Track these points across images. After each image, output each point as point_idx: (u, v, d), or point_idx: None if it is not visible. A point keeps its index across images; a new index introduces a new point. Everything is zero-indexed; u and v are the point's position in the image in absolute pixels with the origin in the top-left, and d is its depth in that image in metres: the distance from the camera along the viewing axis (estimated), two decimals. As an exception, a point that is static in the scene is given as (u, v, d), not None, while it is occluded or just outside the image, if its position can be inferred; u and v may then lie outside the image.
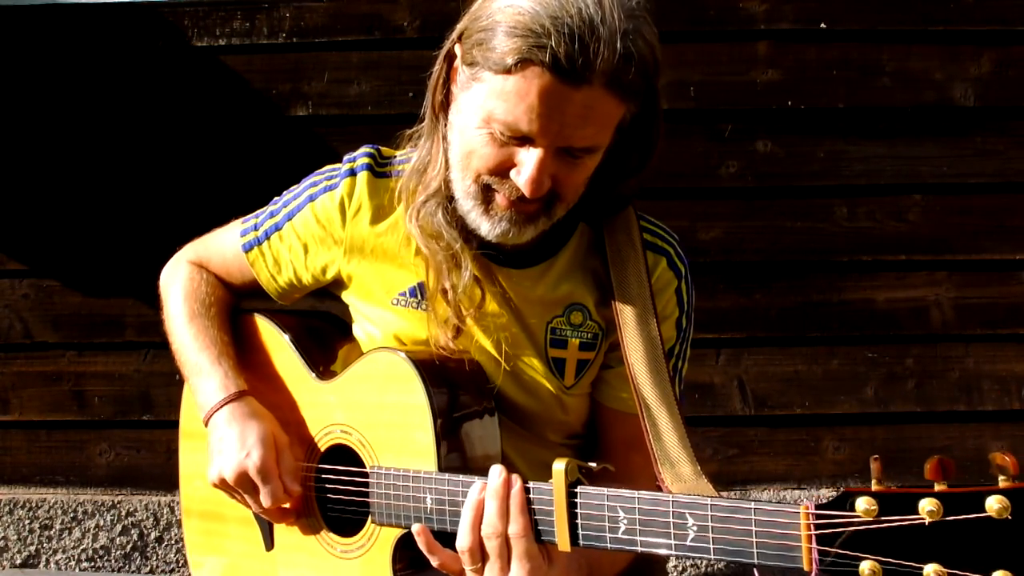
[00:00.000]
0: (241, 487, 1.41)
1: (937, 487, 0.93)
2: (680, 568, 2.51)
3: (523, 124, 1.20)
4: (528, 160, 1.23)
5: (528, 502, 1.19)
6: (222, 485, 1.44)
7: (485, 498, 1.20)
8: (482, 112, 1.23)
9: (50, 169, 2.60)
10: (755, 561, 1.04)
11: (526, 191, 1.24)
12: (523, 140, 1.22)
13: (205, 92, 2.56)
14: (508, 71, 1.18)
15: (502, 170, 1.26)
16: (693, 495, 1.10)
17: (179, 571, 2.57)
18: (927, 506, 0.92)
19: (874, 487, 0.96)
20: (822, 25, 2.47)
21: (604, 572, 1.38)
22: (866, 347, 2.50)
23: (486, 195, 1.29)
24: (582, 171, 1.29)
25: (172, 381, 2.59)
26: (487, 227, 1.31)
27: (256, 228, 1.57)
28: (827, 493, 2.50)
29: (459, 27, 1.28)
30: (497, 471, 1.20)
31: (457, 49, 1.28)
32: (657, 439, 1.28)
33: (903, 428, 2.50)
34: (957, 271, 2.48)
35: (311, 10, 2.53)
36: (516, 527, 1.18)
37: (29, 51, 2.57)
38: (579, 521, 1.15)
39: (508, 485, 1.19)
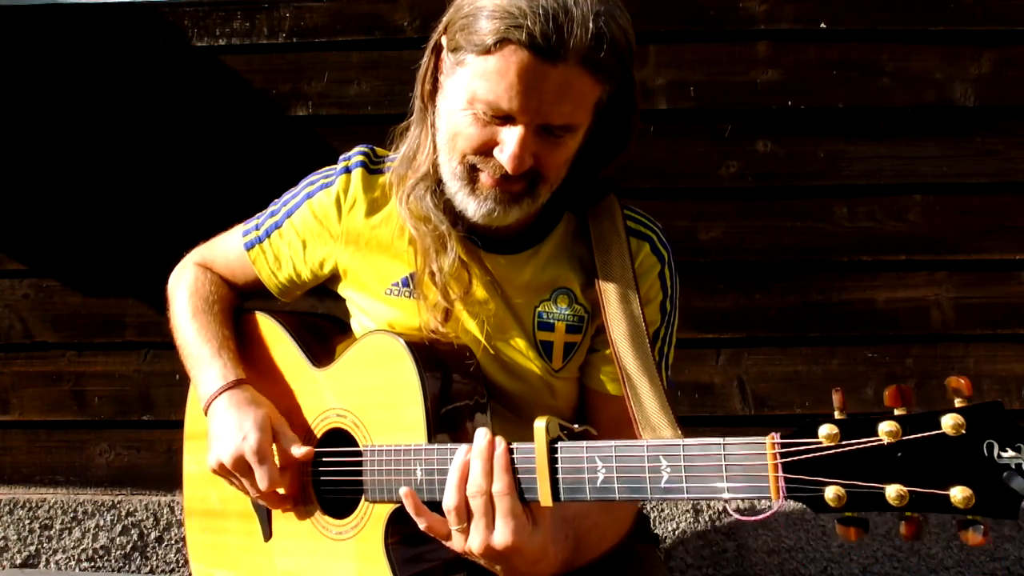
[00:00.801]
0: (238, 471, 1.45)
1: (897, 412, 0.98)
2: (681, 570, 2.51)
3: (504, 102, 1.26)
4: (510, 138, 1.29)
5: (512, 462, 1.22)
6: (220, 470, 1.47)
7: (470, 458, 1.24)
8: (466, 93, 1.30)
9: (50, 169, 2.60)
10: (727, 496, 1.07)
11: (509, 167, 1.30)
12: (505, 119, 1.29)
13: (205, 92, 2.56)
14: (488, 51, 1.25)
15: (486, 149, 1.32)
16: (665, 440, 1.14)
17: (179, 571, 2.57)
18: (886, 427, 0.97)
19: (836, 415, 1.01)
20: (822, 25, 2.47)
21: (590, 546, 1.41)
22: (866, 347, 2.50)
23: (471, 175, 1.35)
24: (563, 151, 1.34)
25: (172, 381, 2.59)
26: (473, 207, 1.37)
27: (257, 228, 1.64)
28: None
29: (444, 19, 1.35)
30: (483, 433, 1.25)
31: (443, 40, 1.36)
32: (638, 405, 1.35)
33: (903, 428, 2.50)
34: (957, 271, 2.48)
35: (311, 10, 2.53)
36: (500, 485, 1.21)
37: (29, 51, 2.58)
38: (560, 476, 1.19)
39: (492, 446, 1.23)
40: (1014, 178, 2.46)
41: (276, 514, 1.53)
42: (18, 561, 2.59)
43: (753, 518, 1.07)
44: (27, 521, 2.60)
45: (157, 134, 2.57)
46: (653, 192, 2.47)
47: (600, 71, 1.28)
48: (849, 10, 2.47)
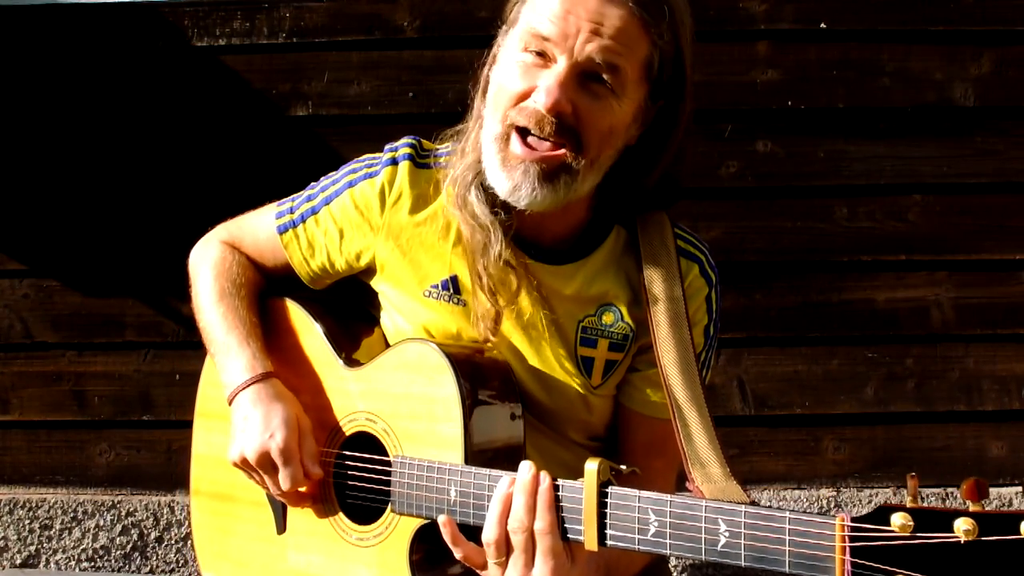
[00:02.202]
0: (261, 467, 1.42)
1: (972, 507, 0.93)
2: (681, 570, 2.51)
3: (543, 26, 1.25)
4: (548, 75, 1.26)
5: (556, 499, 1.19)
6: (242, 464, 1.44)
7: (513, 492, 1.21)
8: (516, 42, 1.30)
9: (50, 169, 2.59)
10: (787, 570, 1.03)
11: (544, 103, 1.25)
12: (547, 60, 1.27)
13: (205, 92, 2.56)
14: None
15: (526, 96, 1.28)
16: (727, 502, 1.10)
17: (179, 571, 2.57)
18: (963, 525, 0.92)
19: (909, 503, 0.97)
20: (822, 25, 2.47)
21: (620, 572, 1.38)
22: (866, 347, 2.50)
23: (504, 142, 1.31)
24: (606, 111, 1.30)
25: (172, 381, 2.59)
26: (502, 180, 1.31)
27: (292, 211, 1.57)
28: (827, 493, 2.50)
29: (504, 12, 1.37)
30: (527, 467, 1.21)
31: (503, 27, 1.36)
32: (688, 440, 1.28)
33: (903, 428, 2.50)
34: (957, 271, 2.48)
35: (311, 10, 2.53)
36: (542, 523, 1.18)
37: (29, 51, 2.57)
38: (608, 521, 1.15)
39: (537, 481, 1.20)
40: (1014, 178, 2.46)
41: (292, 509, 1.51)
42: (18, 561, 2.59)
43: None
44: (27, 521, 2.60)
45: (157, 134, 2.57)
46: (653, 192, 2.47)
47: (646, 13, 1.26)
48: (849, 10, 2.47)
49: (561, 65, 1.26)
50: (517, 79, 1.29)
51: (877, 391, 2.50)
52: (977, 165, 2.47)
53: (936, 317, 2.48)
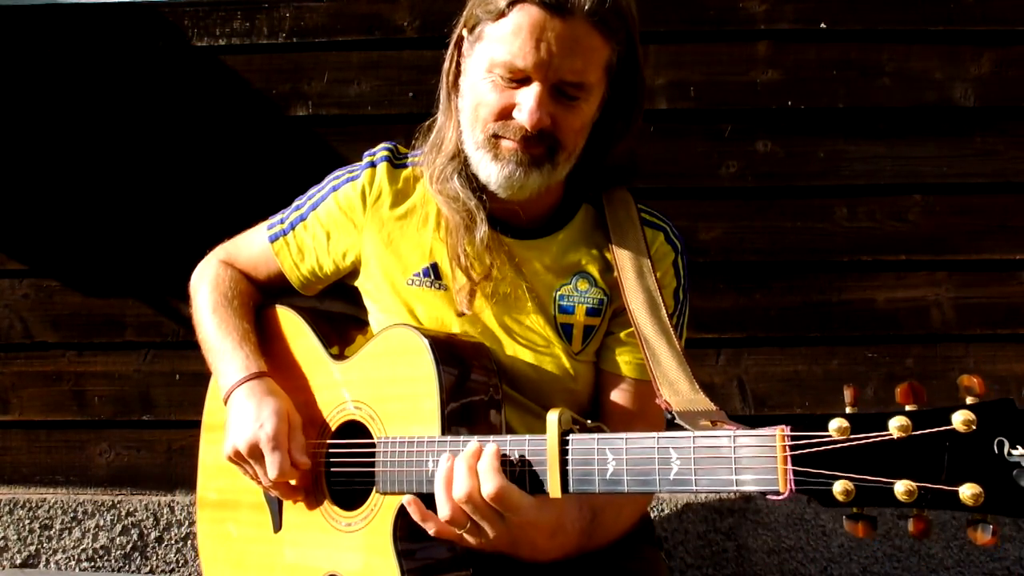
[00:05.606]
0: (252, 458, 1.48)
1: (908, 408, 0.98)
2: (681, 570, 2.51)
3: (519, 60, 1.36)
4: (527, 96, 1.38)
5: (522, 456, 1.24)
6: (235, 457, 1.50)
7: (454, 466, 1.25)
8: (486, 62, 1.40)
9: (50, 169, 2.60)
10: (735, 488, 1.07)
11: (528, 123, 1.38)
12: (522, 81, 1.39)
13: (205, 92, 2.56)
14: (502, 14, 1.37)
15: (506, 113, 1.41)
16: (675, 433, 1.14)
17: (179, 571, 2.57)
18: (897, 422, 0.97)
19: (848, 410, 1.02)
20: (822, 25, 2.47)
21: (607, 522, 1.45)
22: (866, 347, 2.50)
23: (494, 143, 1.43)
24: (578, 115, 1.43)
25: (172, 381, 2.59)
26: (495, 172, 1.44)
27: (282, 222, 1.70)
28: (827, 493, 2.50)
29: (464, 14, 1.47)
30: (472, 441, 1.27)
31: (464, 31, 1.47)
32: (656, 364, 1.39)
33: (903, 428, 2.50)
34: (957, 271, 2.48)
35: (311, 10, 2.53)
36: (490, 487, 1.22)
37: (29, 51, 2.58)
38: (570, 468, 1.20)
39: (479, 452, 1.25)
40: (1014, 178, 2.46)
41: (287, 506, 1.54)
42: (18, 561, 2.59)
43: (772, 497, 1.07)
44: (27, 521, 2.60)
45: (157, 134, 2.57)
46: (653, 192, 2.46)
47: (606, 26, 1.37)
48: (849, 10, 2.47)
49: (537, 87, 1.38)
50: (495, 96, 1.41)
51: (877, 391, 2.50)
52: (977, 165, 2.47)
53: (936, 317, 2.49)
